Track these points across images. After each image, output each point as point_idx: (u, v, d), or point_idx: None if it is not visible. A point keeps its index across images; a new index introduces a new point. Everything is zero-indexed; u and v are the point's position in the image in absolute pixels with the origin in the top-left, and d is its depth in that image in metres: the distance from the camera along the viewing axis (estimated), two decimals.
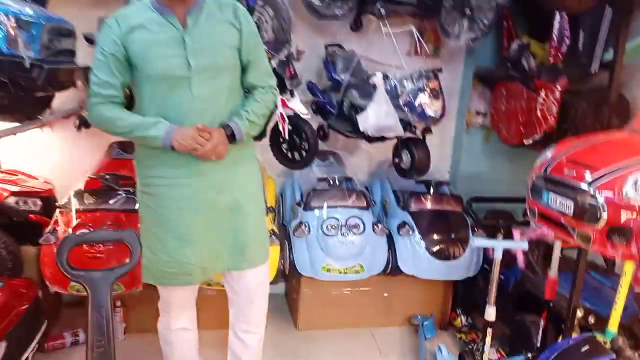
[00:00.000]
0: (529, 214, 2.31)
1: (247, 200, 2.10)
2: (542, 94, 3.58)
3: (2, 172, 3.22)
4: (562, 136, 3.90)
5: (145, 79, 1.87)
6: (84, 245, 2.53)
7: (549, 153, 2.32)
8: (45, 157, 3.55)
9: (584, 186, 1.91)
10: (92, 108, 1.92)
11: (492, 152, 4.49)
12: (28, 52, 2.07)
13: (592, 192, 1.86)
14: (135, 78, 1.89)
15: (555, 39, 3.61)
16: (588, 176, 1.92)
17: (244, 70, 2.03)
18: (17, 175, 3.21)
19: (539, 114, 3.63)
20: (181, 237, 2.00)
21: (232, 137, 1.93)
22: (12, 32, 2.00)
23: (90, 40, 2.66)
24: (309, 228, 3.29)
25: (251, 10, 3.50)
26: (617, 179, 1.83)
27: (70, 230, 2.76)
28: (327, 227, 3.27)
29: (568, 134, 3.85)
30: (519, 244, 2.72)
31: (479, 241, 2.79)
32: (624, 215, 1.78)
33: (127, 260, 1.76)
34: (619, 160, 1.90)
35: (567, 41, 3.62)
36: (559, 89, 3.53)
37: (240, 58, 1.97)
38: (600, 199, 1.83)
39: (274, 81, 2.13)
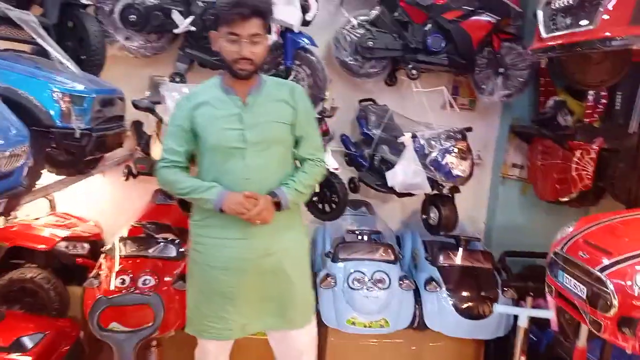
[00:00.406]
0: (547, 289, 2.30)
1: (292, 265, 2.20)
2: (578, 153, 3.54)
3: (56, 215, 3.52)
4: (599, 195, 3.84)
5: (205, 149, 2.08)
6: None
7: (569, 228, 2.32)
8: (97, 201, 3.86)
9: (596, 272, 1.90)
10: (159, 170, 2.15)
11: (530, 205, 4.43)
12: (79, 123, 2.32)
13: (603, 280, 1.85)
14: (198, 147, 2.11)
15: (591, 98, 3.59)
16: (601, 262, 1.91)
17: (296, 143, 2.19)
18: (69, 219, 3.51)
19: (574, 174, 3.58)
20: (224, 295, 2.13)
21: (278, 204, 2.08)
22: (65, 107, 2.26)
23: (137, 106, 2.90)
24: (335, 280, 3.37)
25: (288, 70, 3.71)
26: (629, 267, 1.82)
27: (113, 275, 2.98)
28: (352, 280, 3.33)
29: (605, 193, 3.79)
30: (544, 313, 2.68)
31: (501, 308, 2.79)
32: (636, 306, 1.76)
33: (151, 323, 1.91)
34: (635, 247, 1.89)
35: (604, 100, 3.59)
36: (595, 149, 3.48)
37: (293, 133, 2.15)
38: (611, 288, 1.82)
39: (322, 155, 2.27)
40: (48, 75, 2.35)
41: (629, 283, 1.80)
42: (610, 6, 2.05)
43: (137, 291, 2.89)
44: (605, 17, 2.08)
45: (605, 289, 1.85)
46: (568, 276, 2.07)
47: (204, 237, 2.15)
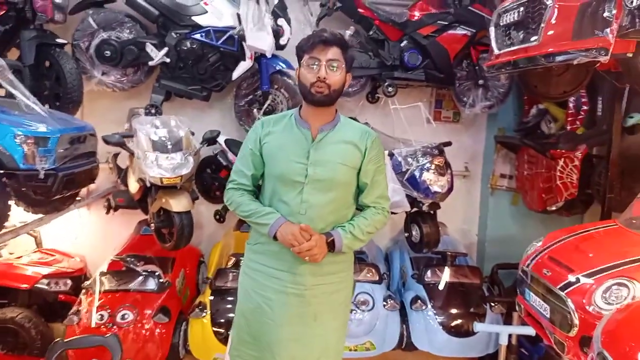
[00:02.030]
0: (517, 308, 2.24)
1: (331, 314, 2.11)
2: (561, 162, 3.48)
3: (42, 252, 3.55)
4: (588, 203, 3.77)
5: (268, 175, 2.08)
6: None
7: (537, 244, 2.27)
8: (83, 235, 3.88)
9: (556, 290, 1.85)
10: (227, 190, 2.15)
11: (521, 215, 4.36)
12: (43, 164, 2.34)
13: (564, 298, 1.80)
14: (264, 173, 2.11)
15: (571, 106, 3.54)
16: (564, 279, 1.86)
17: (361, 189, 2.11)
18: (53, 255, 3.53)
19: (558, 182, 3.53)
20: (262, 325, 2.08)
21: (332, 245, 2.00)
22: (28, 150, 2.29)
23: (107, 142, 2.93)
24: None
25: (266, 94, 3.73)
26: (589, 285, 1.77)
27: (94, 310, 2.99)
28: None
29: (594, 201, 3.71)
30: (525, 330, 2.61)
31: (481, 326, 2.73)
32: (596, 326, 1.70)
33: None
34: (596, 264, 1.83)
35: (585, 107, 3.54)
36: (579, 157, 3.43)
37: (358, 178, 2.07)
38: (572, 306, 1.77)
39: (387, 204, 2.15)
40: (11, 118, 2.39)
41: (588, 301, 1.74)
42: (552, 20, 2.02)
43: (115, 326, 2.89)
44: (549, 32, 2.05)
45: (566, 308, 1.80)
46: (533, 294, 2.01)
47: (254, 262, 2.13)
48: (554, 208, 3.69)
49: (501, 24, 2.41)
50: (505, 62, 2.41)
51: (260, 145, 2.06)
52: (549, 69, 2.49)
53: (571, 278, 1.84)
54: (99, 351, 2.71)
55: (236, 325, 2.18)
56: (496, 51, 2.50)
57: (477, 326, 2.73)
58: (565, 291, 1.81)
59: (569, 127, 3.61)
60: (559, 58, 2.01)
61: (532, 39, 2.13)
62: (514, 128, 4.13)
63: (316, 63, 1.93)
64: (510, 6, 2.33)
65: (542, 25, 2.03)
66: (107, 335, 2.12)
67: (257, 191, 2.16)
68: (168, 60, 3.59)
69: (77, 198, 3.19)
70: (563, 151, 3.46)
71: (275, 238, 1.98)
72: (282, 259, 2.04)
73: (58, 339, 2.17)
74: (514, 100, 4.20)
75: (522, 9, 2.22)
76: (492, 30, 2.56)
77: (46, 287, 3.20)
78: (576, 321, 1.75)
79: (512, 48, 2.31)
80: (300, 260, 1.99)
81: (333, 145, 2.02)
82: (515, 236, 4.38)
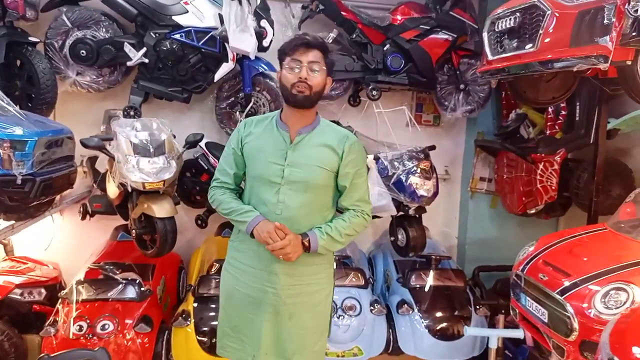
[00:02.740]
0: (511, 312, 2.25)
1: (309, 314, 2.15)
2: (541, 166, 3.54)
3: (12, 259, 3.37)
4: (566, 206, 3.85)
5: (249, 175, 2.15)
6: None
7: (530, 248, 2.28)
8: (56, 242, 3.72)
9: (555, 295, 1.86)
10: (210, 188, 2.22)
11: (500, 218, 4.42)
12: (20, 169, 2.22)
13: (563, 303, 1.81)
14: (245, 172, 2.17)
15: (551, 110, 3.61)
16: (561, 284, 1.87)
17: (340, 191, 2.14)
18: (26, 263, 3.36)
19: (539, 186, 3.59)
20: (242, 319, 2.16)
21: (307, 246, 2.03)
22: (4, 154, 2.16)
23: (86, 146, 2.80)
24: None
25: (248, 97, 3.66)
26: (588, 289, 1.79)
27: (71, 322, 2.86)
28: None
29: (572, 204, 3.79)
30: (515, 333, 2.63)
31: (472, 330, 2.74)
32: (596, 330, 1.72)
33: None
34: (593, 268, 1.85)
35: (563, 112, 3.61)
36: (558, 161, 3.50)
37: (336, 181, 2.10)
38: (571, 311, 1.78)
39: (368, 207, 2.17)
40: None
41: (588, 305, 1.76)
42: (550, 28, 2.04)
43: (95, 337, 2.77)
44: (547, 39, 2.07)
45: (565, 313, 1.81)
46: (529, 299, 2.02)
47: (236, 261, 2.19)
48: (533, 211, 3.75)
49: (496, 29, 2.43)
50: (499, 69, 2.43)
51: (241, 145, 2.13)
52: (538, 75, 2.53)
53: (568, 283, 1.85)
54: None
55: (220, 319, 2.27)
56: (490, 57, 2.52)
57: (467, 330, 2.74)
58: (564, 296, 1.82)
59: (548, 132, 3.68)
60: (558, 65, 2.04)
61: (528, 45, 2.15)
62: (494, 132, 4.18)
63: (298, 65, 1.98)
64: (504, 13, 2.36)
65: (540, 32, 2.05)
66: (96, 349, 2.03)
67: (240, 190, 2.22)
68: (147, 60, 3.47)
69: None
70: (543, 155, 3.52)
71: (252, 235, 2.03)
72: (260, 258, 2.09)
73: (44, 354, 2.06)
74: (493, 105, 4.26)
75: (517, 15, 2.24)
76: (485, 36, 2.57)
77: (19, 297, 3.04)
78: (576, 326, 1.76)
79: (507, 54, 2.33)
80: (276, 259, 2.04)
81: (310, 148, 2.05)
82: (494, 238, 4.45)
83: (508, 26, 2.30)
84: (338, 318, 3.23)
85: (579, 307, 1.78)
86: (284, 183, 2.03)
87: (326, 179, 2.06)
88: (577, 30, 1.97)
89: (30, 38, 3.19)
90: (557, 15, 2.02)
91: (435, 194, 3.31)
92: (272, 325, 2.11)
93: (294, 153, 2.04)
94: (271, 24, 3.61)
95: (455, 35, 3.83)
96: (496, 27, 2.42)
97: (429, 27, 3.82)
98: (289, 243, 1.98)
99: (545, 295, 1.92)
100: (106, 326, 2.86)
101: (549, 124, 3.65)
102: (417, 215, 3.39)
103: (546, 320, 1.92)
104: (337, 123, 4.04)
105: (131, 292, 3.05)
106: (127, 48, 3.41)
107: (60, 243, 3.78)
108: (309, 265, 2.11)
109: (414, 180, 3.18)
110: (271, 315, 2.11)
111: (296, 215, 2.05)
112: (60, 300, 3.03)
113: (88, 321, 2.85)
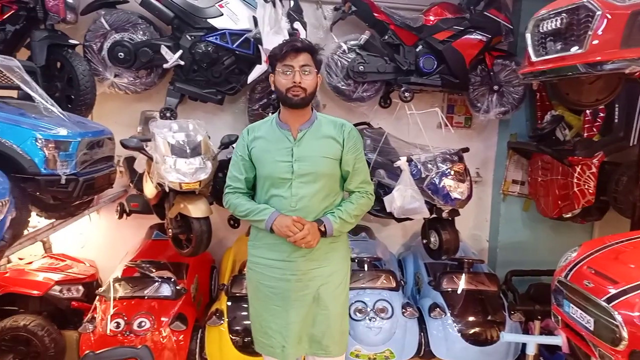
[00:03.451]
0: (553, 319, 2.21)
1: (331, 295, 2.32)
2: (578, 169, 3.47)
3: (51, 257, 3.46)
4: (603, 210, 3.76)
5: (260, 177, 2.30)
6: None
7: (573, 254, 2.23)
8: (93, 240, 3.79)
9: (602, 303, 1.82)
10: (225, 195, 2.37)
11: (532, 221, 4.35)
12: (64, 169, 2.27)
13: (610, 311, 1.77)
14: (256, 175, 2.32)
15: (589, 112, 3.53)
16: (607, 291, 1.83)
17: (344, 176, 2.34)
18: (64, 260, 3.44)
19: (576, 189, 3.51)
20: (270, 312, 2.31)
21: (323, 231, 2.21)
22: (49, 154, 2.21)
23: (125, 146, 2.86)
24: None
25: None
26: (637, 298, 1.74)
27: (108, 319, 2.92)
28: (354, 311, 3.25)
29: (609, 208, 3.70)
30: (553, 339, 2.57)
31: (509, 336, 2.69)
32: None
33: None
34: None
35: (602, 114, 3.53)
36: (596, 164, 3.42)
37: (340, 167, 2.29)
38: (619, 320, 1.74)
39: (370, 187, 2.39)
40: (32, 122, 2.32)
41: (638, 314, 1.71)
42: (600, 30, 2.00)
43: (132, 334, 2.81)
44: (595, 41, 2.02)
45: (613, 321, 1.77)
46: (574, 306, 1.98)
47: (257, 257, 2.33)
48: (569, 215, 3.68)
49: (541, 30, 2.38)
50: (542, 70, 2.38)
51: (248, 151, 2.28)
52: (584, 77, 2.48)
53: (615, 290, 1.80)
54: None
55: (251, 316, 2.42)
56: (533, 58, 2.48)
57: (505, 336, 2.70)
58: (612, 304, 1.78)
59: (585, 134, 3.59)
60: (608, 67, 2.00)
61: (574, 48, 2.10)
62: (529, 134, 4.11)
63: (290, 70, 2.12)
64: (547, 14, 2.31)
65: (589, 33, 2.01)
66: (139, 347, 2.07)
67: (252, 192, 2.37)
68: (182, 62, 3.52)
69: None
70: (580, 158, 3.44)
71: (272, 231, 2.19)
72: (278, 250, 2.25)
73: (88, 351, 2.10)
74: (526, 106, 4.19)
75: (564, 16, 2.20)
76: (528, 37, 2.53)
77: (58, 294, 3.11)
78: (625, 335, 1.72)
79: (551, 56, 2.29)
80: (294, 248, 2.21)
81: (313, 141, 2.23)
82: (527, 242, 4.38)
83: (553, 27, 2.26)
84: (370, 320, 3.22)
85: (628, 316, 1.73)
86: (295, 177, 2.19)
87: (332, 167, 2.25)
88: (630, 31, 1.92)
89: (70, 41, 3.27)
90: (608, 15, 1.98)
91: (469, 197, 3.26)
92: (298, 312, 2.27)
93: (299, 148, 2.21)
94: (304, 26, 3.61)
95: (490, 36, 3.78)
96: (540, 28, 2.38)
97: (462, 28, 3.78)
98: (309, 232, 2.15)
99: (591, 302, 1.88)
100: (143, 323, 2.91)
101: (586, 126, 3.56)
102: (450, 218, 3.35)
103: (592, 329, 1.87)
104: (368, 124, 4.07)
105: (166, 290, 3.10)
106: (164, 50, 3.46)
107: (96, 241, 3.86)
108: (327, 249, 2.29)
109: (448, 182, 3.14)
110: (297, 301, 2.26)
111: (310, 204, 2.22)
112: (97, 297, 3.10)
113: (125, 318, 2.90)
